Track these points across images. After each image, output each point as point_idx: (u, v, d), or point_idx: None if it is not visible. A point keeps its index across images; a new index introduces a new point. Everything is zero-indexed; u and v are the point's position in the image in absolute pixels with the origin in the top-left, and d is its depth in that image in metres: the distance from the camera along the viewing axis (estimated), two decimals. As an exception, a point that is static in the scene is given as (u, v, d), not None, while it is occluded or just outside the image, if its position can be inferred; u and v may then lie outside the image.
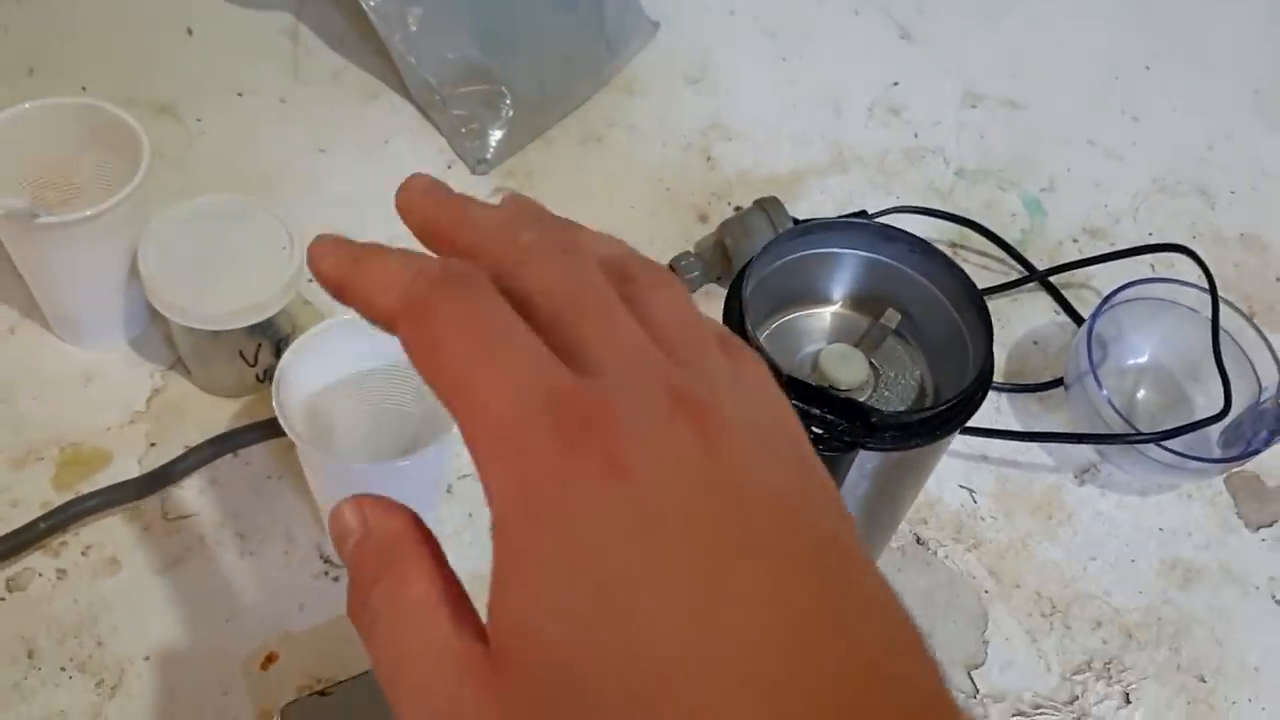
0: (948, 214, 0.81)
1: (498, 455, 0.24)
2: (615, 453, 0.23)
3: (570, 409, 0.24)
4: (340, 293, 0.28)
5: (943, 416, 0.50)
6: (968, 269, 0.80)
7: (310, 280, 0.71)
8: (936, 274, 0.54)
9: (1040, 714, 0.63)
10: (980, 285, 0.77)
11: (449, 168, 0.80)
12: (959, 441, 0.71)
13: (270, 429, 0.64)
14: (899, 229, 0.55)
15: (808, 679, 0.22)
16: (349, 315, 0.57)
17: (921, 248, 0.54)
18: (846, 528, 0.26)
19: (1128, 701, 0.64)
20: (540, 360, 0.25)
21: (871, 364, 0.54)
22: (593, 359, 0.25)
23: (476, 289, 0.26)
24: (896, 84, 0.92)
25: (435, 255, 0.29)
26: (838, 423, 0.48)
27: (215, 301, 0.60)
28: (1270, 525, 0.72)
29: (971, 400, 0.50)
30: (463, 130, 0.80)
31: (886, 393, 0.54)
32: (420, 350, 0.26)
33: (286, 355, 0.55)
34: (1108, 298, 0.71)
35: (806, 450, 0.27)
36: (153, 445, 0.64)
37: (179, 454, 0.63)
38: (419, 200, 0.30)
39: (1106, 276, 0.79)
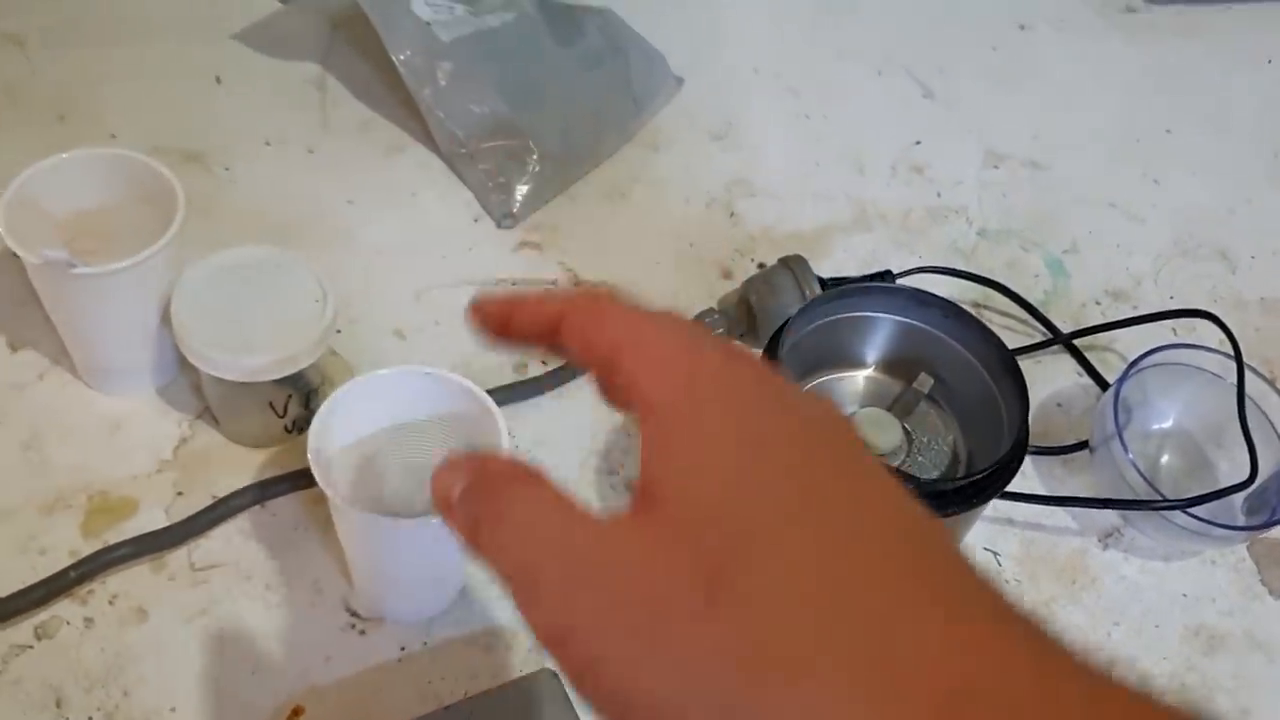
0: (972, 274, 0.81)
1: (668, 361, 0.30)
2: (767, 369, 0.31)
3: (729, 347, 0.31)
4: (504, 326, 0.35)
5: (978, 485, 0.50)
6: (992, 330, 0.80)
7: (339, 331, 0.72)
8: (970, 339, 0.55)
9: (1066, 781, 0.62)
10: (1004, 347, 0.77)
11: (475, 221, 0.80)
12: (984, 503, 0.71)
13: (298, 480, 0.64)
14: (932, 294, 0.55)
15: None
16: (385, 370, 0.57)
17: (955, 313, 0.55)
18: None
19: (1153, 770, 0.63)
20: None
21: (905, 429, 0.54)
22: None
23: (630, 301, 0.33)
24: (919, 143, 0.93)
25: None
26: (874, 488, 0.48)
27: (246, 353, 0.60)
28: (1294, 592, 0.72)
29: (1007, 469, 0.50)
30: (489, 184, 0.80)
31: (920, 458, 0.54)
32: (587, 325, 0.32)
33: (323, 408, 0.55)
34: (1134, 363, 0.71)
35: None
36: (179, 494, 0.64)
37: (206, 504, 0.63)
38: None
39: (1129, 339, 0.80)
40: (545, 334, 0.33)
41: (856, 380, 0.57)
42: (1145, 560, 0.72)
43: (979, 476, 0.49)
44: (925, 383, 0.56)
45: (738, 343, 0.33)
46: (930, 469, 0.54)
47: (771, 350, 0.52)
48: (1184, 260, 0.89)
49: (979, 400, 0.54)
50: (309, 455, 0.53)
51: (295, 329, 0.61)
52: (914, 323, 0.55)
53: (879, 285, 0.55)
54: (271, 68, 0.88)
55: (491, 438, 0.56)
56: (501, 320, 0.35)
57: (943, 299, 0.55)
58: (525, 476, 0.31)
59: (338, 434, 0.57)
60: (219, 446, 0.67)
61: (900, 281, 0.78)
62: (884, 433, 0.53)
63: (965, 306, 0.80)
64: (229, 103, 0.85)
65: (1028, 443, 0.51)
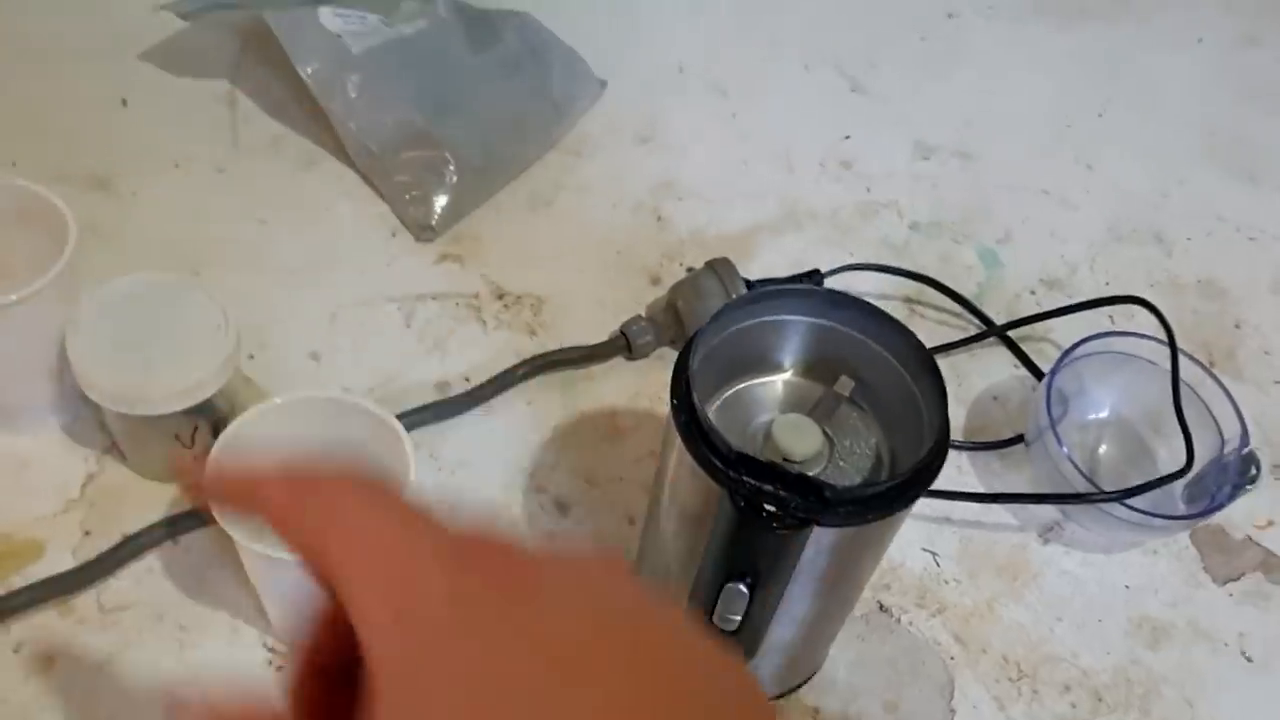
0: (902, 270, 0.80)
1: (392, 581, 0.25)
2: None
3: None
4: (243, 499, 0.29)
5: (899, 489, 0.48)
6: (925, 325, 0.79)
7: (251, 356, 0.69)
8: (889, 339, 0.53)
9: (1012, 785, 0.61)
10: (938, 341, 0.76)
11: (393, 235, 0.78)
12: (920, 504, 0.69)
13: (210, 515, 0.62)
14: (847, 295, 0.54)
15: None
16: (284, 397, 0.55)
17: (872, 312, 0.53)
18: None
19: (1101, 768, 0.62)
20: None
21: (825, 433, 0.52)
22: None
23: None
24: (848, 137, 0.92)
25: None
26: (790, 499, 0.47)
27: (147, 385, 0.58)
28: (1237, 579, 0.71)
29: (928, 470, 0.49)
30: (406, 197, 0.78)
31: (842, 463, 0.53)
32: (317, 528, 0.27)
33: (220, 441, 0.53)
34: (1066, 352, 0.70)
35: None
36: (87, 534, 0.62)
37: (115, 543, 0.61)
38: None
39: (1065, 329, 0.78)
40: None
41: (775, 385, 0.55)
42: (1086, 554, 0.70)
43: (899, 481, 0.47)
44: (845, 385, 0.54)
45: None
46: (853, 473, 0.52)
47: (682, 365, 0.50)
48: (1119, 245, 0.88)
49: (900, 400, 0.53)
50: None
51: (196, 357, 0.59)
52: (831, 324, 0.53)
53: (793, 288, 0.54)
54: (179, 87, 0.85)
55: (400, 462, 0.54)
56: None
57: (858, 299, 0.53)
58: None
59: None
60: (129, 482, 0.64)
61: (830, 279, 0.77)
62: (804, 439, 0.51)
63: (898, 303, 0.79)
64: (136, 125, 0.82)
65: (948, 443, 0.50)
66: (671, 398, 0.50)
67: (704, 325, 0.51)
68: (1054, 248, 0.87)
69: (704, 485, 0.49)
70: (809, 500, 0.47)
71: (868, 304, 0.53)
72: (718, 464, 0.48)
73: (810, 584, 0.52)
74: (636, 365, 0.74)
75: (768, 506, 0.47)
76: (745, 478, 0.47)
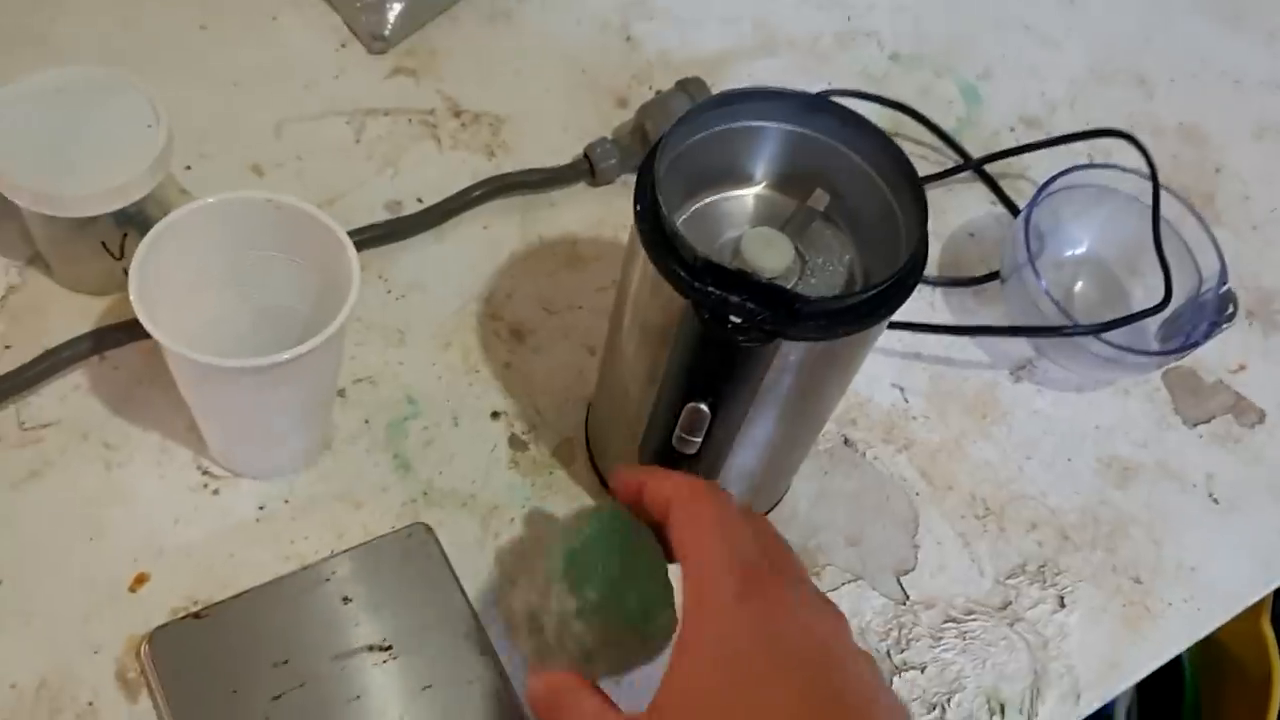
0: (883, 98, 0.76)
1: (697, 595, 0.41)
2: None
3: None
4: (639, 492, 0.45)
5: (871, 303, 0.45)
6: (900, 155, 0.75)
7: (189, 168, 0.65)
8: (869, 150, 0.50)
9: (972, 619, 0.60)
10: (913, 173, 0.73)
11: (343, 46, 0.73)
12: (890, 338, 0.66)
13: (140, 328, 0.58)
14: (828, 99, 0.50)
15: None
16: (216, 197, 0.51)
17: (853, 121, 0.50)
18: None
19: (1062, 605, 0.61)
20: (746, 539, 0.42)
21: (797, 250, 0.49)
22: None
23: (723, 496, 0.44)
24: (827, -37, 0.87)
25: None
26: (758, 311, 0.44)
27: (72, 186, 0.54)
28: (1208, 421, 0.69)
29: (902, 285, 0.46)
30: (357, 4, 0.73)
31: (813, 280, 0.50)
32: (683, 521, 0.43)
33: (145, 242, 0.49)
34: (1045, 185, 0.67)
35: None
36: (7, 348, 0.58)
37: (36, 355, 0.57)
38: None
39: (1043, 166, 0.75)
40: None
41: (746, 199, 0.52)
42: (1058, 392, 0.68)
43: (871, 293, 0.44)
44: (820, 200, 0.51)
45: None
46: (825, 292, 0.49)
47: (648, 169, 0.47)
48: (1100, 86, 0.85)
49: (878, 217, 0.50)
50: (130, 292, 0.48)
51: (125, 156, 0.55)
52: (807, 132, 0.50)
53: (767, 90, 0.50)
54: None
55: (344, 276, 0.51)
56: (636, 489, 0.45)
57: (839, 105, 0.49)
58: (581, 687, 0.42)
59: (170, 272, 0.51)
60: (54, 295, 0.61)
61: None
62: (775, 253, 0.48)
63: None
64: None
65: (925, 260, 0.47)
66: (635, 204, 0.47)
67: (669, 129, 0.48)
68: (1034, 85, 0.83)
69: (667, 298, 0.46)
70: (777, 312, 0.44)
71: (849, 110, 0.50)
72: (682, 274, 0.45)
73: (775, 406, 0.50)
74: (600, 192, 0.71)
75: (734, 318, 0.44)
76: (711, 288, 0.44)
